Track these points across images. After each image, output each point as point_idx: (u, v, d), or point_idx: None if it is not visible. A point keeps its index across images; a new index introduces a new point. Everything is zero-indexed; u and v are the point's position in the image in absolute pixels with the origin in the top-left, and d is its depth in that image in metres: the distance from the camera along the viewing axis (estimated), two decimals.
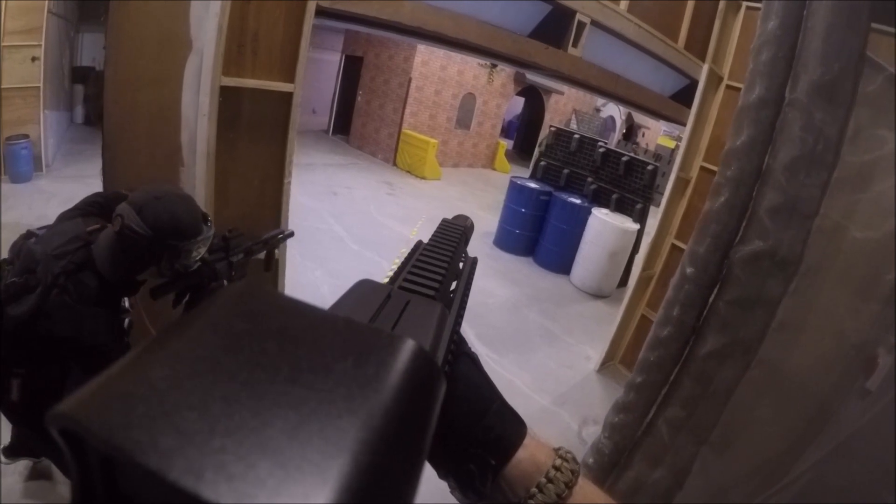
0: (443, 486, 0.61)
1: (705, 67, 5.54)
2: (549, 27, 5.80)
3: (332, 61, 18.42)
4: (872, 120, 1.50)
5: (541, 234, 10.38)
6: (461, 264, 0.80)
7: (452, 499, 0.62)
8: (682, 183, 5.95)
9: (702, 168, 5.76)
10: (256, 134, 3.12)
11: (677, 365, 1.50)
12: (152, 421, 0.26)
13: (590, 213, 9.42)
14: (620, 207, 9.86)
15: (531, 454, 0.60)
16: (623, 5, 6.04)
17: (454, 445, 0.58)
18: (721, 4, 5.53)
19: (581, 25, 5.81)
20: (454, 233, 0.83)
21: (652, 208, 9.38)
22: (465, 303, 0.74)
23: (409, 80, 16.26)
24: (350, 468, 0.26)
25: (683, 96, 8.05)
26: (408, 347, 0.36)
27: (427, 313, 0.54)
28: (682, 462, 1.70)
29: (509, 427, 0.61)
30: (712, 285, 1.44)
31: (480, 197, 15.05)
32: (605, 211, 9.53)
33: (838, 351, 1.83)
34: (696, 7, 6.82)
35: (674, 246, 6.08)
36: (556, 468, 0.60)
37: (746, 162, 1.32)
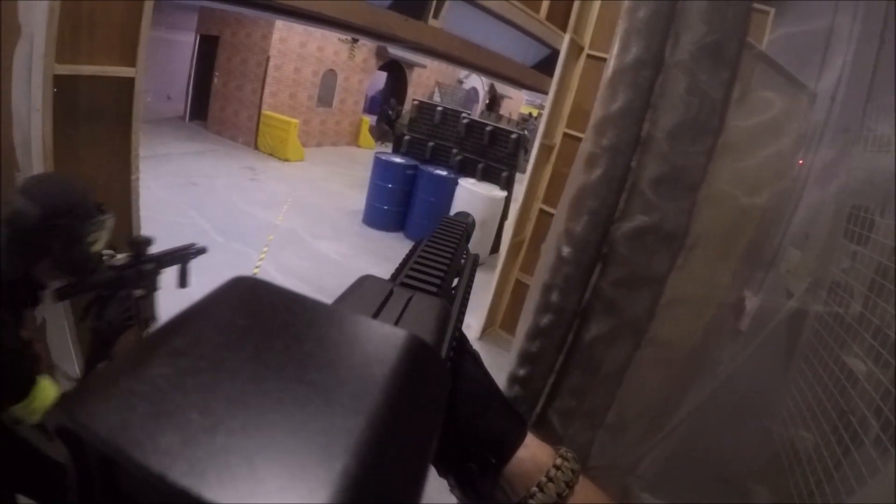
0: (441, 483, 0.59)
1: (567, 37, 5.67)
2: None
3: (187, 42, 17.40)
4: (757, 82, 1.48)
5: (409, 208, 10.38)
6: (462, 261, 0.83)
7: (451, 498, 0.62)
8: (546, 150, 6.12)
9: (565, 135, 5.96)
10: (98, 127, 2.83)
11: (562, 353, 1.44)
12: (153, 420, 0.25)
13: (457, 184, 9.47)
14: (487, 176, 10.00)
15: (532, 453, 0.61)
16: None
17: (455, 444, 0.57)
18: None
19: None
20: (455, 230, 0.85)
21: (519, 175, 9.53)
22: (468, 300, 0.76)
23: (268, 59, 15.74)
24: (355, 468, 0.25)
25: (545, 66, 8.15)
26: (413, 344, 0.35)
27: (429, 310, 0.54)
28: (579, 450, 1.67)
29: (510, 426, 0.62)
30: (593, 266, 1.37)
31: (346, 175, 14.87)
32: (471, 181, 9.65)
33: (723, 317, 1.84)
34: None
35: (542, 211, 6.29)
36: (557, 467, 0.60)
37: (624, 130, 1.25)
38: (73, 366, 2.83)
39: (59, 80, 2.62)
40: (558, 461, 0.61)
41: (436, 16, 5.77)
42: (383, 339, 0.35)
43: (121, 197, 2.99)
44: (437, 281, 0.63)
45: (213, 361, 0.29)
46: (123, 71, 2.85)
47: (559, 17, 6.81)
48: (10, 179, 2.61)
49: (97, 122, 2.84)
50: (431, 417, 0.36)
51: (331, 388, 0.29)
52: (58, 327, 2.73)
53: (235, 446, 0.25)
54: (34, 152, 2.59)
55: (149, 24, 2.88)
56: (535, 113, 22.80)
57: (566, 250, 1.35)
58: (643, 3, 1.20)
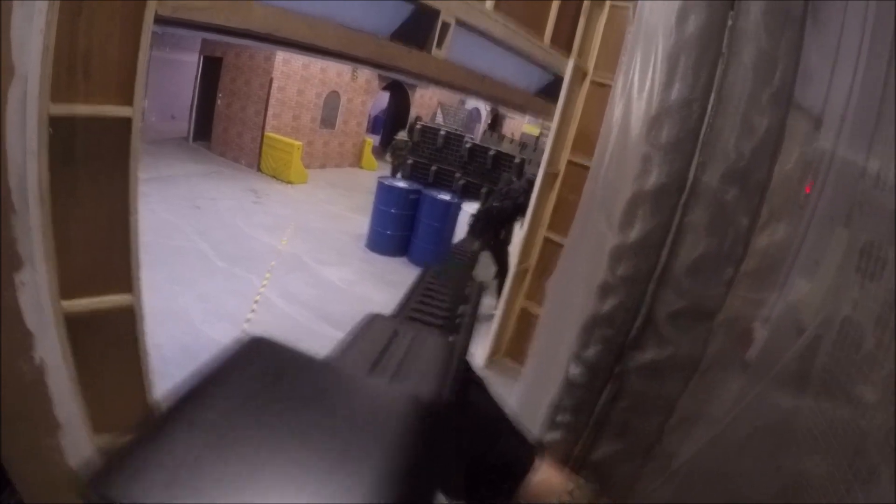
0: None
1: (570, 63, 5.64)
2: (413, 28, 5.63)
3: (191, 62, 17.47)
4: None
5: (413, 232, 10.33)
6: (467, 289, 0.83)
7: None
8: (550, 177, 6.07)
9: (569, 162, 5.92)
10: (95, 167, 2.77)
11: (567, 466, 1.37)
12: (193, 496, 0.27)
13: (460, 208, 9.43)
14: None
15: (544, 478, 0.63)
16: (489, 4, 5.98)
17: (465, 471, 0.59)
18: (586, 3, 5.67)
19: (445, 26, 5.70)
20: (460, 258, 0.89)
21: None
22: (473, 328, 0.76)
23: (271, 81, 15.78)
24: None
25: (549, 91, 8.12)
26: (417, 406, 0.37)
27: (431, 353, 0.54)
28: None
29: (520, 452, 0.64)
30: (603, 389, 1.29)
31: (350, 198, 14.80)
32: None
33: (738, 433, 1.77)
34: (562, 5, 6.86)
35: (547, 239, 6.21)
36: (569, 492, 0.62)
37: (642, 260, 1.16)
38: (74, 407, 2.78)
39: (54, 121, 2.56)
40: (570, 485, 0.63)
41: (439, 45, 5.71)
42: (390, 402, 0.37)
43: (121, 237, 2.94)
44: (443, 313, 0.65)
45: (240, 435, 0.31)
46: (120, 110, 2.80)
47: (563, 42, 6.78)
48: (6, 221, 2.56)
49: (95, 162, 2.79)
50: (435, 471, 0.39)
51: (345, 455, 0.31)
52: (57, 368, 2.68)
53: None
54: (30, 194, 2.54)
55: (146, 62, 2.82)
56: (536, 132, 22.76)
57: (576, 373, 1.27)
58: (667, 122, 1.11)
